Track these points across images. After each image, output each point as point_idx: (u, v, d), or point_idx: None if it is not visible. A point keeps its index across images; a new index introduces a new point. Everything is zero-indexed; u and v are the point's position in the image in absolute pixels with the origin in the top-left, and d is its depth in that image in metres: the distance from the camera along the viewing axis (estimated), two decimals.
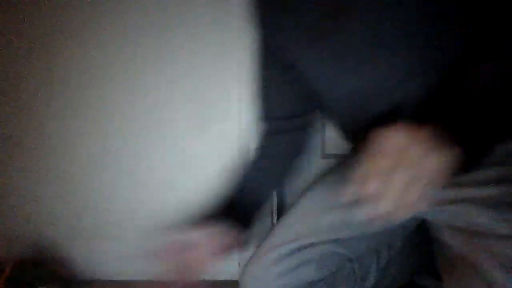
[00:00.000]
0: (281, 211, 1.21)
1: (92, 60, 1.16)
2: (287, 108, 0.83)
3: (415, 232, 0.80)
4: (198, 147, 1.17)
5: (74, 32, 1.15)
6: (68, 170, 1.19)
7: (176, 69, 1.15)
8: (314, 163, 1.20)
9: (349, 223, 0.76)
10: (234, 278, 1.18)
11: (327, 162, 1.19)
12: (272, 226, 0.87)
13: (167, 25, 1.14)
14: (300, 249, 0.75)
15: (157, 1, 1.13)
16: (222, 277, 1.18)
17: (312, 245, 0.75)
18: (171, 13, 1.14)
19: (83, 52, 1.15)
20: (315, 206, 0.80)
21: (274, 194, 1.16)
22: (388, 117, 0.66)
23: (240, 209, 0.77)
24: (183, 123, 1.17)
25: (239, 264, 1.17)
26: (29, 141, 1.18)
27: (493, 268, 0.55)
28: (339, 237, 0.76)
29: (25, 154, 1.19)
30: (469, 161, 0.50)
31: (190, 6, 1.13)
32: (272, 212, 1.16)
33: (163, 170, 1.18)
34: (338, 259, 0.77)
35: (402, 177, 0.44)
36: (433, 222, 0.70)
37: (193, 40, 1.14)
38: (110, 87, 1.16)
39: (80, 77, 1.16)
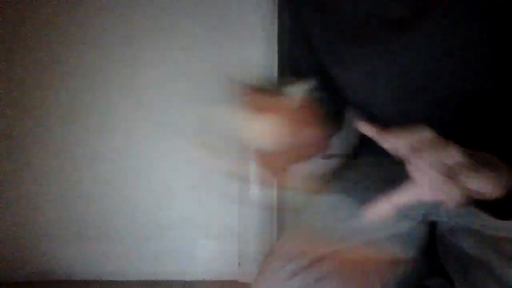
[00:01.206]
0: (281, 211, 1.22)
1: (93, 61, 1.15)
2: None
3: (427, 237, 0.77)
4: (198, 148, 1.17)
5: (73, 33, 1.15)
6: (68, 170, 1.19)
7: (176, 70, 1.15)
8: (314, 163, 1.21)
9: (363, 230, 0.71)
10: (234, 278, 1.18)
11: (326, 163, 1.19)
12: (280, 232, 0.80)
13: (167, 26, 1.14)
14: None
15: (157, 2, 1.13)
16: (222, 277, 1.19)
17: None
18: (171, 14, 1.13)
19: (83, 53, 1.15)
20: (327, 215, 0.77)
21: (274, 194, 1.16)
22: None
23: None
24: (183, 124, 1.17)
25: (239, 264, 1.17)
26: (29, 141, 1.18)
27: (507, 268, 0.56)
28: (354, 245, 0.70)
29: (25, 154, 1.18)
30: None
31: (190, 7, 1.13)
32: (272, 213, 1.16)
33: (162, 171, 1.18)
34: None
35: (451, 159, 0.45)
36: (445, 225, 0.70)
37: (193, 40, 1.14)
38: (111, 88, 1.16)
39: (80, 78, 1.16)
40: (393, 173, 0.79)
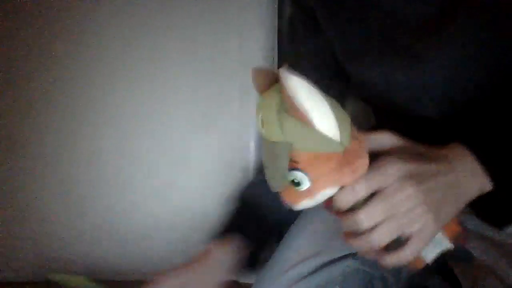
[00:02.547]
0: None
1: (92, 61, 1.16)
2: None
3: None
4: (198, 147, 1.17)
5: (73, 32, 1.15)
6: (67, 169, 1.19)
7: (176, 68, 1.15)
8: None
9: None
10: (234, 278, 1.17)
11: None
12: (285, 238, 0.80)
13: (167, 25, 1.14)
14: (322, 266, 0.68)
15: (157, 1, 1.13)
16: None
17: (333, 261, 0.68)
18: (171, 13, 1.14)
19: (82, 53, 1.15)
20: (328, 221, 0.72)
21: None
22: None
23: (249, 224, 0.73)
24: (183, 123, 1.17)
25: None
26: (28, 141, 1.18)
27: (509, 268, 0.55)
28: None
29: (24, 154, 1.19)
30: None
31: (190, 6, 1.13)
32: None
33: (163, 170, 1.18)
34: (362, 279, 0.69)
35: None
36: None
37: (193, 40, 1.14)
38: (110, 87, 1.17)
39: (79, 77, 1.16)
40: None
